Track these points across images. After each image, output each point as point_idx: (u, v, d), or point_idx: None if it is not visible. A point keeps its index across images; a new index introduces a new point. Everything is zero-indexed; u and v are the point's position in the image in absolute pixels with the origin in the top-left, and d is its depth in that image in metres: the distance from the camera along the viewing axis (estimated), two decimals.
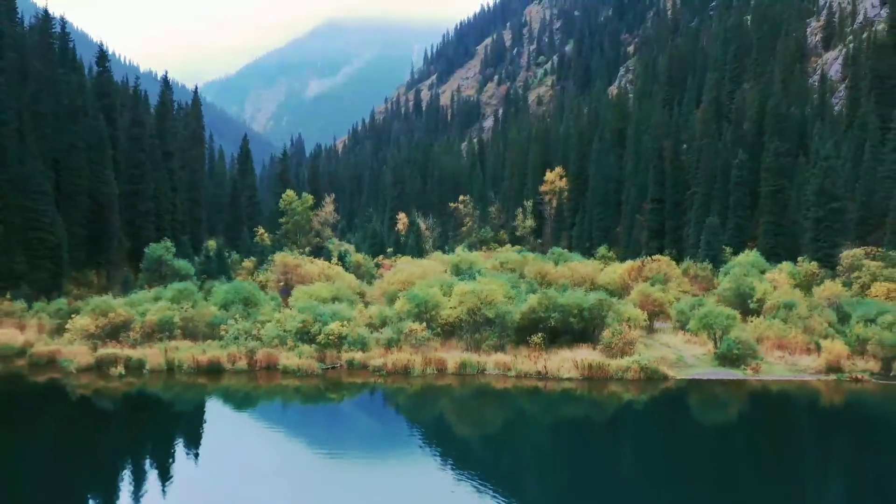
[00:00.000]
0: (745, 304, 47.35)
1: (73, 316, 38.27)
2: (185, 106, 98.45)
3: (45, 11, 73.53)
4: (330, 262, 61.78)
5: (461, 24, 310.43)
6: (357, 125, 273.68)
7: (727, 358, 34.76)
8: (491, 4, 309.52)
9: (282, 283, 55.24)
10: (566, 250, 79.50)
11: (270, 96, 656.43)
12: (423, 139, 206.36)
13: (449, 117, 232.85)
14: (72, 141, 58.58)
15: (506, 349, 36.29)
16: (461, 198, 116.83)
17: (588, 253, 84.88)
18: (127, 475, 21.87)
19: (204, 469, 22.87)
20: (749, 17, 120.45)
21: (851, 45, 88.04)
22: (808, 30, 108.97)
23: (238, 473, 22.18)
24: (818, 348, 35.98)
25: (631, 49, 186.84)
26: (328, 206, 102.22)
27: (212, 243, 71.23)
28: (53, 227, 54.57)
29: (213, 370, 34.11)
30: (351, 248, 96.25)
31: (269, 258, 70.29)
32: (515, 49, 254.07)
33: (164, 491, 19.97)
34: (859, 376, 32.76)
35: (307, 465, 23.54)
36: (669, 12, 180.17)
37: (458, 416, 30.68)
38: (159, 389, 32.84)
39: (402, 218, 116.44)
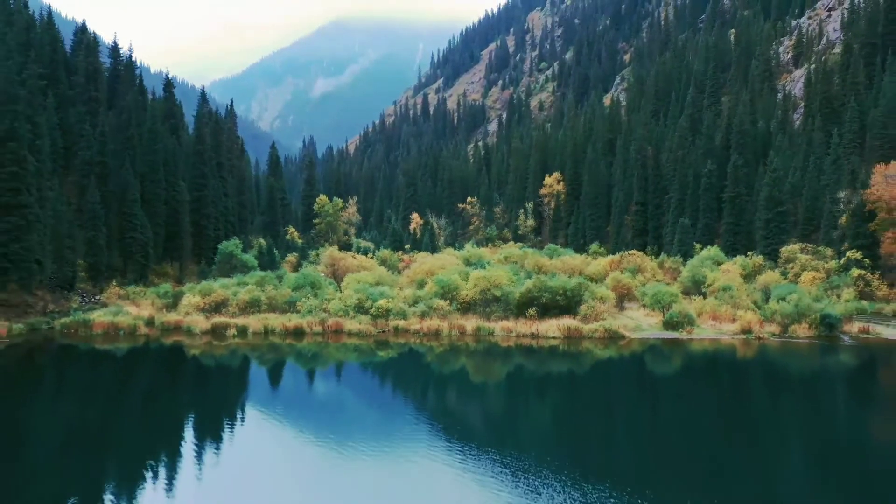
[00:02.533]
0: (700, 289, 60.20)
1: (184, 295, 51.09)
2: (219, 116, 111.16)
3: (115, 44, 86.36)
4: (366, 256, 74.55)
5: (466, 29, 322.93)
6: (368, 128, 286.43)
7: (671, 324, 47.51)
8: (495, 10, 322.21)
9: (324, 274, 68.05)
10: (562, 247, 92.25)
11: (277, 95, 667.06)
12: (432, 142, 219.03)
13: (455, 121, 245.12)
14: (153, 158, 71.39)
15: (509, 319, 49.08)
16: (469, 199, 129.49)
17: (582, 249, 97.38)
18: (200, 414, 30.48)
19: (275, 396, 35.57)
20: (733, 32, 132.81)
21: (813, 66, 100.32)
22: (782, 48, 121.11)
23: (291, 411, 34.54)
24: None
25: (627, 58, 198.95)
26: (351, 208, 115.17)
27: (261, 241, 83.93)
28: (143, 229, 67.44)
29: (297, 333, 47.02)
30: (370, 244, 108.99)
31: (310, 253, 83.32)
32: (518, 55, 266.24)
33: (226, 428, 30.06)
34: (762, 336, 45.50)
35: (359, 397, 36.29)
36: (663, 23, 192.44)
37: (475, 368, 43.06)
38: (256, 348, 45.43)
39: (415, 218, 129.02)
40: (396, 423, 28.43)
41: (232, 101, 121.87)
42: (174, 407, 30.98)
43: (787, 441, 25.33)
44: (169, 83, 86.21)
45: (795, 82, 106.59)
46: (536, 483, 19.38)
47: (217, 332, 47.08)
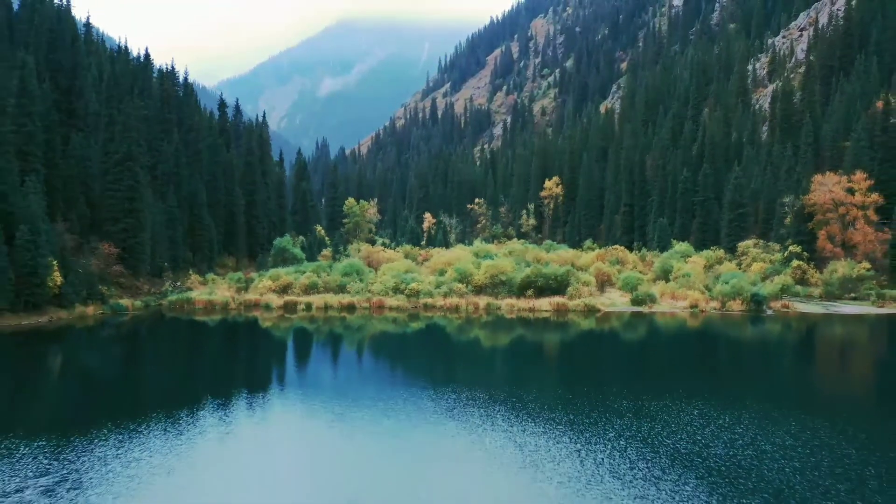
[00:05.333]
0: (668, 276, 74.00)
1: (254, 280, 65.17)
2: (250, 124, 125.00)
3: (172, 67, 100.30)
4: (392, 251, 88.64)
5: (472, 35, 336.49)
6: (379, 130, 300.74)
7: (637, 301, 61.49)
8: (500, 17, 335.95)
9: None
10: (560, 243, 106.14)
11: (284, 95, 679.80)
12: (441, 145, 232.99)
13: (462, 125, 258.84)
14: (214, 169, 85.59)
15: (512, 297, 63.09)
16: (476, 200, 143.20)
17: (577, 245, 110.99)
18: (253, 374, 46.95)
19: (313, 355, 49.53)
20: (719, 47, 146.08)
21: (779, 84, 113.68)
22: (758, 64, 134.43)
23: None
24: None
25: (624, 66, 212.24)
26: (372, 209, 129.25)
27: (302, 238, 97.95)
28: (209, 228, 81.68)
29: (349, 308, 61.13)
30: (387, 241, 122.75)
31: (341, 248, 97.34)
32: (522, 61, 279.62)
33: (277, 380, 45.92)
34: (704, 310, 59.45)
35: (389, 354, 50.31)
36: (657, 34, 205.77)
37: (486, 335, 56.85)
38: (317, 320, 59.34)
39: (428, 217, 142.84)
40: (425, 376, 42.15)
41: (265, 113, 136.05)
42: (242, 364, 43.71)
43: (721, 368, 39.36)
44: (222, 103, 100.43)
45: (767, 98, 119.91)
46: (536, 414, 31.49)
47: (288, 307, 61.27)
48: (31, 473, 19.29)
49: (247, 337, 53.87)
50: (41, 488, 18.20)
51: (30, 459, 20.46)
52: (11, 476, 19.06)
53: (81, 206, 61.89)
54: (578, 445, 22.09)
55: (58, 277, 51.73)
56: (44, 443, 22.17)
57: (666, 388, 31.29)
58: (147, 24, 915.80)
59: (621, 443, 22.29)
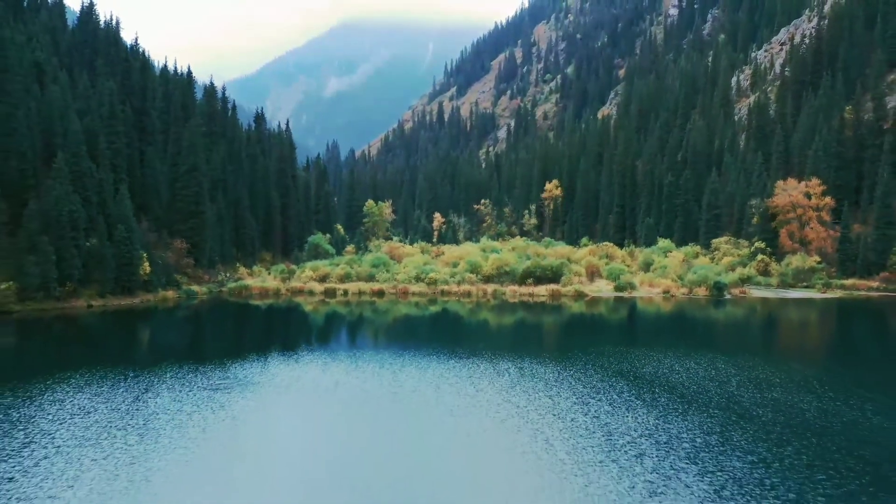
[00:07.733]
0: (649, 268, 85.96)
1: (296, 271, 77.27)
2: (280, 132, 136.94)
3: (211, 83, 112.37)
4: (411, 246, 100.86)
5: (477, 40, 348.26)
6: (388, 133, 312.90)
7: (619, 288, 73.52)
8: (504, 22, 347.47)
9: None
10: (557, 240, 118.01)
11: (290, 95, 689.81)
12: (447, 148, 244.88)
13: (468, 128, 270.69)
14: (253, 176, 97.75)
15: (515, 285, 75.10)
16: (482, 201, 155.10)
17: (575, 242, 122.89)
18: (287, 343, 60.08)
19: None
20: (711, 55, 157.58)
21: (755, 97, 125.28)
22: (742, 76, 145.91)
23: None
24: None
25: (622, 73, 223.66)
26: (388, 209, 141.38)
27: (328, 235, 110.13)
28: (251, 227, 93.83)
29: (379, 294, 73.26)
30: (399, 238, 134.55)
31: (363, 245, 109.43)
32: (525, 67, 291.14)
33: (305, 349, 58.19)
34: (675, 295, 71.40)
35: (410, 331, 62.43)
36: (654, 41, 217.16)
37: (493, 316, 68.74)
38: (351, 304, 71.36)
39: (437, 217, 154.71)
40: (449, 339, 54.25)
41: (288, 122, 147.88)
42: (278, 337, 56.91)
43: (669, 331, 51.35)
44: (258, 116, 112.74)
45: (747, 108, 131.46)
46: (532, 356, 44.66)
47: (328, 293, 73.42)
48: (215, 378, 31.43)
49: (298, 317, 65.95)
50: (222, 386, 30.32)
51: (205, 375, 32.59)
52: (202, 380, 31.19)
53: (156, 208, 74.10)
54: (558, 368, 34.18)
55: (147, 267, 63.92)
56: (212, 366, 34.37)
57: (624, 342, 43.37)
58: (152, 23, 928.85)
59: (586, 366, 34.39)
